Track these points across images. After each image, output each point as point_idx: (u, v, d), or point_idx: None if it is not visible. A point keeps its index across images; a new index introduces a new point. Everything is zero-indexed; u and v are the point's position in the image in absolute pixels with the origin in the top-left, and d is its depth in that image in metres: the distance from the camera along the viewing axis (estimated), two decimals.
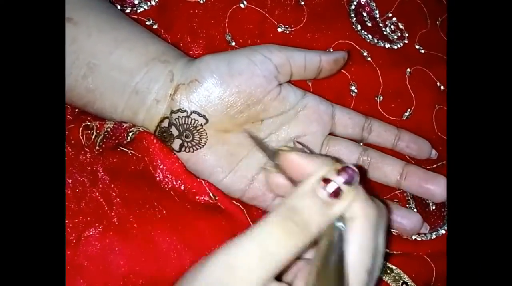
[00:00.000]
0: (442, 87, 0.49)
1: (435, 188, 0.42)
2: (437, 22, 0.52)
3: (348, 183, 0.29)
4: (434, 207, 0.44)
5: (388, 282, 0.42)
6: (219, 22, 0.46)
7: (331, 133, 0.44)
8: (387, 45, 0.49)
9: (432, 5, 0.52)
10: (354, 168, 0.29)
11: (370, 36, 0.49)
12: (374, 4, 0.50)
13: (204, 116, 0.39)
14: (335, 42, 0.48)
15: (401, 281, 0.41)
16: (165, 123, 0.39)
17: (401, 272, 0.42)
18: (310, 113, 0.42)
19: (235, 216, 0.40)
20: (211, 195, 0.39)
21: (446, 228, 0.43)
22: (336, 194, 0.29)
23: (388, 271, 0.42)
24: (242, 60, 0.39)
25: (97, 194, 0.40)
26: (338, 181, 0.29)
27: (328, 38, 0.48)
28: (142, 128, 0.39)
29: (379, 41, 0.49)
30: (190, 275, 0.29)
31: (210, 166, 0.40)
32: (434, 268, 0.43)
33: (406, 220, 0.42)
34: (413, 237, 0.43)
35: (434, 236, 0.43)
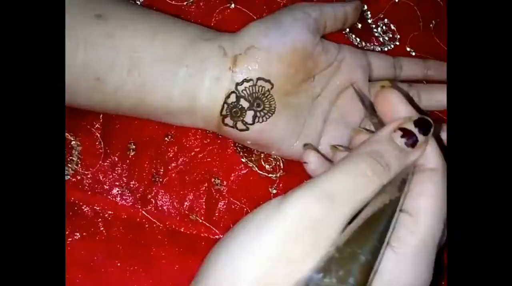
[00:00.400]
0: None
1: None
2: (431, 25, 0.51)
3: (423, 133, 0.30)
4: None
5: None
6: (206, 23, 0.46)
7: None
8: (378, 48, 0.49)
9: (426, 7, 0.51)
10: (430, 119, 0.31)
11: (358, 40, 0.49)
12: (365, 6, 0.50)
13: (269, 81, 0.39)
14: None
15: None
16: (232, 98, 0.38)
17: None
18: (350, 62, 0.43)
19: None
20: None
21: None
22: (413, 143, 0.30)
23: None
24: (287, 19, 0.40)
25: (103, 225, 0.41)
26: (416, 131, 0.30)
27: None
28: None
29: (367, 44, 0.49)
30: (266, 208, 0.28)
31: (282, 132, 0.40)
32: None
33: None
34: None
35: None
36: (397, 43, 0.50)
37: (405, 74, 0.47)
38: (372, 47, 0.49)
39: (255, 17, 0.46)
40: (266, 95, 0.39)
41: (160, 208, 0.41)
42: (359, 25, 0.49)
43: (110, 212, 0.41)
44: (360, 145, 0.31)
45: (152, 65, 0.37)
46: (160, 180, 0.42)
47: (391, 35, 0.50)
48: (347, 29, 0.49)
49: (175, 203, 0.42)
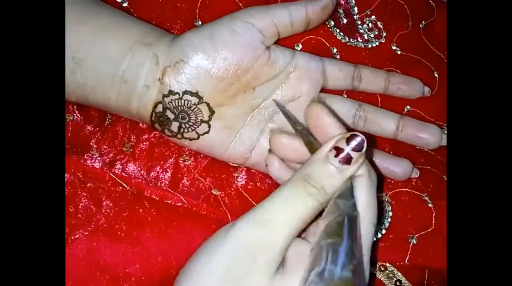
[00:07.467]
0: None
1: (429, 136, 0.46)
2: (420, 25, 0.51)
3: (357, 150, 0.31)
4: None
5: (382, 279, 0.42)
6: (191, 8, 0.47)
7: (323, 88, 0.45)
8: (361, 45, 0.49)
9: (418, 7, 0.51)
10: (361, 135, 0.32)
11: (342, 34, 0.49)
12: (353, 1, 0.50)
13: (196, 94, 0.38)
14: (305, 37, 0.48)
15: (395, 279, 0.42)
16: (159, 108, 0.39)
17: (395, 269, 0.42)
18: (301, 73, 0.42)
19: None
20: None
21: (377, 235, 0.44)
22: (347, 160, 0.31)
23: (382, 269, 0.42)
24: (224, 32, 0.38)
25: (86, 193, 0.42)
26: (348, 148, 0.31)
27: (299, 33, 0.47)
28: None
29: (350, 40, 0.49)
30: (218, 235, 0.32)
31: (210, 142, 0.41)
32: (426, 268, 0.43)
33: (398, 167, 0.45)
34: None
35: None
36: (383, 40, 0.50)
37: (364, 87, 0.46)
38: (356, 43, 0.49)
39: (240, 4, 0.47)
40: (192, 108, 0.39)
41: (126, 172, 0.43)
42: (345, 20, 0.49)
43: (79, 174, 0.42)
44: (301, 167, 0.33)
45: (93, 67, 0.38)
46: (131, 150, 0.43)
47: (377, 33, 0.50)
48: (332, 23, 0.48)
49: (142, 172, 0.43)
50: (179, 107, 0.39)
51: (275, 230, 0.30)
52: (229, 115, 0.41)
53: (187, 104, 0.39)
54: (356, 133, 0.32)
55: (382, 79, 0.46)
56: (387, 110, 0.46)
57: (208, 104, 0.39)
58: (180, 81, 0.38)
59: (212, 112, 0.40)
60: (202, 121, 0.40)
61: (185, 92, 0.38)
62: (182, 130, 0.40)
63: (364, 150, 0.31)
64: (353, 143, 0.31)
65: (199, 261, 0.32)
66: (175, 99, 0.38)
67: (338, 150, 0.31)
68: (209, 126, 0.40)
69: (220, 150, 0.41)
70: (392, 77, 0.47)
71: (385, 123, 0.45)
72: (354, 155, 0.31)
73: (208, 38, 0.38)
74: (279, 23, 0.39)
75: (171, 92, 0.38)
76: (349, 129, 0.34)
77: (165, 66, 0.38)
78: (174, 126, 0.40)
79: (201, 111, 0.39)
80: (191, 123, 0.40)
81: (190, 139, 0.40)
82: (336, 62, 0.45)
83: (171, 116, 0.39)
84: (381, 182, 0.45)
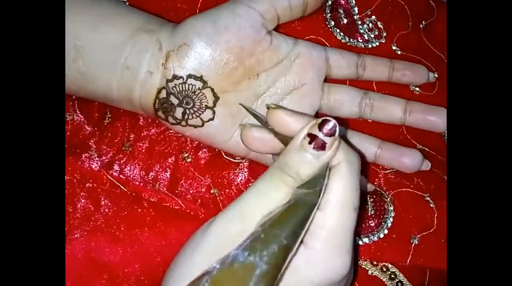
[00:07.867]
0: (417, 89, 0.49)
1: (437, 119, 0.45)
2: (420, 26, 0.51)
3: (330, 134, 0.31)
4: (372, 212, 0.44)
5: (384, 280, 0.42)
6: (191, 8, 0.47)
7: (327, 76, 0.45)
8: (361, 45, 0.49)
9: (418, 8, 0.51)
10: (333, 120, 0.32)
11: (342, 34, 0.49)
12: (353, 1, 0.50)
13: (200, 78, 0.39)
14: (305, 37, 0.48)
15: (397, 280, 0.42)
16: (163, 94, 0.39)
17: (397, 270, 0.42)
18: (304, 61, 0.43)
19: None
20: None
21: (379, 235, 0.44)
22: (322, 146, 0.31)
23: (384, 269, 0.42)
24: (226, 15, 0.39)
25: (85, 193, 0.42)
26: (321, 134, 0.31)
27: (299, 32, 0.48)
28: None
29: (351, 40, 0.49)
30: (197, 233, 0.33)
31: (213, 130, 0.41)
32: (427, 268, 0.43)
33: (407, 158, 0.44)
34: None
35: (367, 241, 0.44)
36: (383, 41, 0.50)
37: (368, 75, 0.46)
38: (356, 43, 0.49)
39: None
40: (196, 93, 0.39)
41: (124, 174, 0.43)
42: (345, 21, 0.49)
43: (77, 176, 0.42)
44: (279, 156, 0.33)
45: (94, 55, 0.39)
46: (130, 149, 0.43)
47: (377, 33, 0.50)
48: (332, 23, 0.48)
49: (141, 172, 0.43)
50: (183, 92, 0.39)
51: (252, 221, 0.31)
52: (234, 102, 0.41)
53: (192, 89, 0.39)
54: (328, 118, 0.31)
55: (386, 67, 0.47)
56: (393, 96, 0.47)
57: (212, 89, 0.39)
58: (184, 65, 0.38)
59: (216, 98, 0.40)
60: (206, 107, 0.40)
61: (189, 76, 0.38)
62: (186, 116, 0.40)
63: (337, 134, 0.31)
64: (326, 128, 0.31)
65: (181, 260, 0.32)
66: (179, 83, 0.38)
67: (311, 137, 0.31)
68: (214, 112, 0.40)
69: (223, 138, 0.41)
70: (396, 64, 0.47)
71: (392, 109, 0.46)
72: (327, 140, 0.31)
73: (211, 22, 0.39)
74: (279, 6, 0.40)
75: (175, 77, 0.38)
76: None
77: (169, 51, 0.38)
78: (178, 112, 0.40)
79: (205, 96, 0.39)
80: (196, 109, 0.40)
81: (195, 126, 0.40)
82: (339, 51, 0.46)
83: (175, 101, 0.39)
84: (365, 165, 0.45)
